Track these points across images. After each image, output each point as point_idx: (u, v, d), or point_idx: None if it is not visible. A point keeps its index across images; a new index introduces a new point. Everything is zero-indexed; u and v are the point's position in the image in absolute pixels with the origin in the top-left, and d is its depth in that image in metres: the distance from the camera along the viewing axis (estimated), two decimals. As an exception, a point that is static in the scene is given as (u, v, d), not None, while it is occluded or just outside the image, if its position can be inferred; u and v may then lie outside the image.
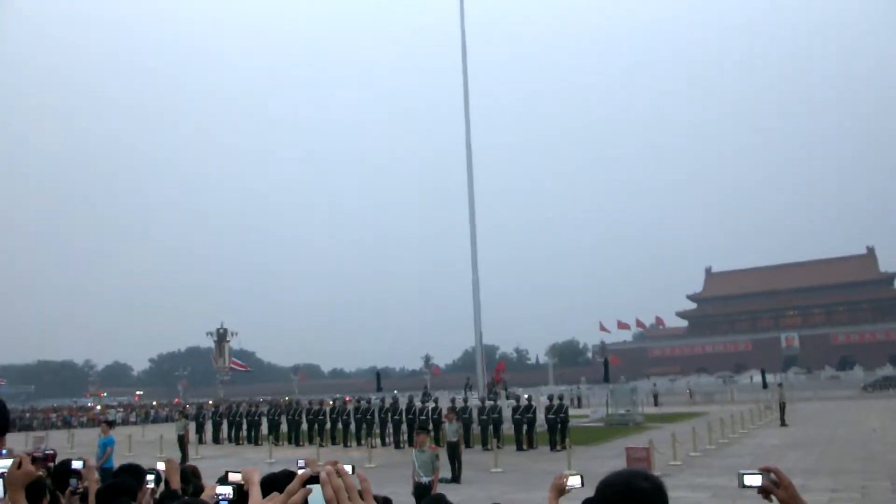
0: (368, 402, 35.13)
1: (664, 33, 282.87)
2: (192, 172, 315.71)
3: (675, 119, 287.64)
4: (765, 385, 72.09)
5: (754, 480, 2.67)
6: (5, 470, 3.14)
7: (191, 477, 5.48)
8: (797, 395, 57.35)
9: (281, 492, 1.38)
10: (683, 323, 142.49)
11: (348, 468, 1.43)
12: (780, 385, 42.18)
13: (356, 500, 1.22)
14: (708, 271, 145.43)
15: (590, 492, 4.44)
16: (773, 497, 2.67)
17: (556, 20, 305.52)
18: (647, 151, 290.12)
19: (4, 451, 3.33)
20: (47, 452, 4.77)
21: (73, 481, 4.64)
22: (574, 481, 4.07)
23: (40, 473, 4.00)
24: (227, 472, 3.74)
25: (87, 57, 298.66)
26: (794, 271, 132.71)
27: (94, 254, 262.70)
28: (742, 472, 2.74)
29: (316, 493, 1.22)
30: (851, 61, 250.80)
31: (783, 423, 34.52)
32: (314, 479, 1.24)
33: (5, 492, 3.11)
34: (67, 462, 4.92)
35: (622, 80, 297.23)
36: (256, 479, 3.35)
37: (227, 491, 3.57)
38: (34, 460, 3.14)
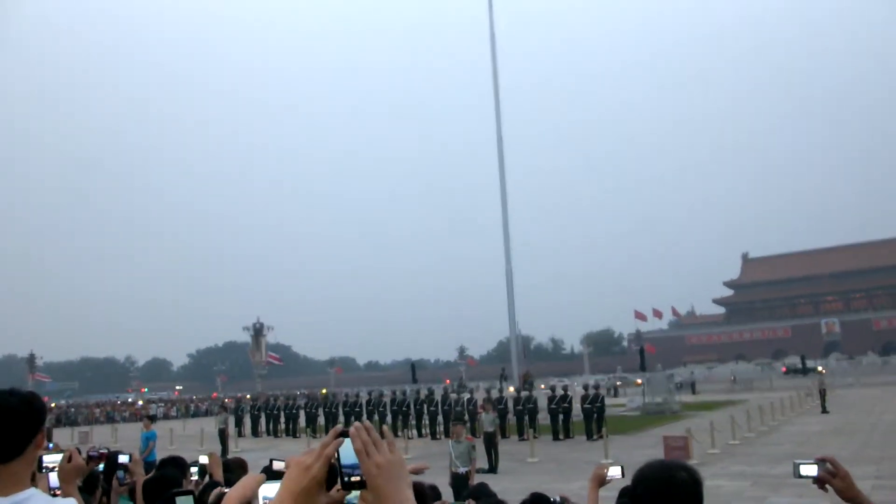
0: (404, 393, 35.30)
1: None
2: (222, 174, 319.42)
3: (706, 98, 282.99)
4: (805, 372, 71.03)
5: (810, 470, 2.68)
6: (55, 464, 3.25)
7: (235, 468, 5.59)
8: (838, 382, 56.31)
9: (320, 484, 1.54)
10: (720, 310, 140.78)
11: None
12: (819, 371, 41.48)
13: (383, 450, 1.44)
14: (745, 257, 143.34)
15: (630, 481, 4.45)
16: (828, 487, 2.67)
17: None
18: (680, 133, 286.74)
19: (51, 446, 3.44)
20: (101, 451, 4.93)
21: (120, 474, 4.77)
22: (615, 472, 4.07)
23: (97, 469, 4.12)
24: (271, 461, 3.82)
25: (122, 61, 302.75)
26: (833, 255, 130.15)
27: (132, 255, 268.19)
28: (797, 461, 2.74)
29: (347, 445, 1.45)
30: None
31: (824, 411, 34.01)
32: (345, 433, 1.48)
33: (59, 485, 3.21)
34: (115, 456, 5.05)
35: (652, 61, 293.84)
36: None
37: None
38: (90, 458, 3.24)
